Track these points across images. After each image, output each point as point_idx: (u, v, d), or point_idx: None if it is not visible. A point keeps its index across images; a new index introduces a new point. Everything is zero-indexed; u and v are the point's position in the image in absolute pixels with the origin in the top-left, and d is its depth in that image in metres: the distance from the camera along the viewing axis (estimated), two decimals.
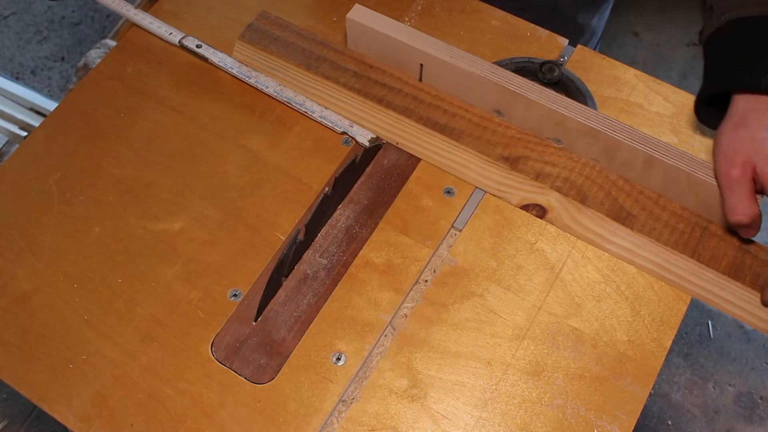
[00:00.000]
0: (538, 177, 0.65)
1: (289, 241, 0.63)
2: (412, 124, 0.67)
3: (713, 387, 1.16)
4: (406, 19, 0.75)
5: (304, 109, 0.69)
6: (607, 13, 0.98)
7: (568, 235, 0.63)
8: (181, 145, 0.69)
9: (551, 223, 0.63)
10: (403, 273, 0.61)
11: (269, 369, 0.58)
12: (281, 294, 0.61)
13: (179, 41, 0.72)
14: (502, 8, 0.76)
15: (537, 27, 0.74)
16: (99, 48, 0.85)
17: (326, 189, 0.65)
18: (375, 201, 0.65)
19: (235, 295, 0.61)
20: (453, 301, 0.60)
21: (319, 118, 0.68)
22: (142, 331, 0.59)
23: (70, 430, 0.56)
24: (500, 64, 0.70)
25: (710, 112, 0.62)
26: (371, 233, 0.63)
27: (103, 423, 0.56)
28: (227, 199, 0.65)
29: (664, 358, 0.58)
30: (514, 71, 0.66)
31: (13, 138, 1.05)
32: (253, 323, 0.60)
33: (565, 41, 0.74)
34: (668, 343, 0.58)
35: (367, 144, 0.67)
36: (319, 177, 0.66)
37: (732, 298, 0.59)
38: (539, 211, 0.64)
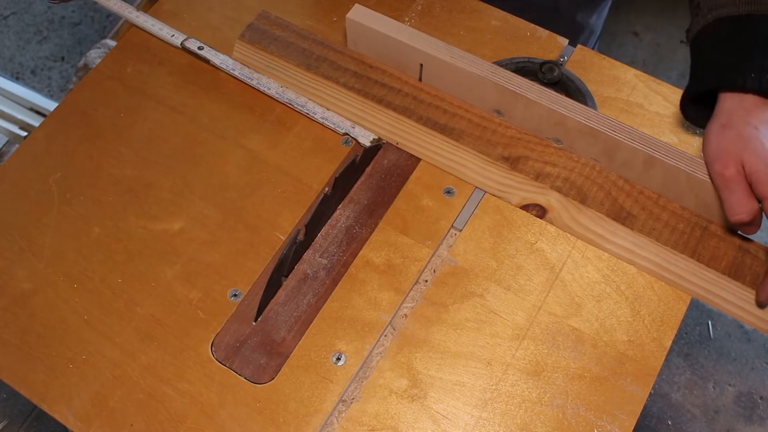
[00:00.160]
0: (538, 177, 0.65)
1: (289, 241, 0.62)
2: (412, 124, 0.67)
3: (713, 387, 1.16)
4: (406, 19, 0.75)
5: (306, 111, 0.69)
6: (605, 12, 0.98)
7: (568, 235, 0.63)
8: (181, 145, 0.69)
9: (551, 223, 0.63)
10: (403, 273, 0.61)
11: (269, 369, 0.58)
12: (281, 294, 0.61)
13: (181, 43, 0.72)
14: (502, 8, 0.76)
15: (537, 27, 0.74)
16: (99, 48, 0.85)
17: (326, 189, 0.65)
18: (375, 201, 0.65)
19: (235, 295, 0.61)
20: (453, 301, 0.60)
21: (321, 120, 0.68)
22: (142, 331, 0.59)
23: (70, 430, 0.56)
24: (500, 64, 0.70)
25: (697, 110, 0.62)
26: (371, 233, 0.63)
27: (103, 423, 0.56)
28: (227, 199, 0.65)
29: (664, 358, 0.58)
30: (514, 71, 0.66)
31: (13, 138, 1.05)
32: (253, 323, 0.60)
33: (565, 41, 0.74)
34: (668, 343, 0.58)
35: (369, 145, 0.67)
36: (319, 177, 0.66)
37: (732, 298, 0.59)
38: (539, 211, 0.64)
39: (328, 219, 0.64)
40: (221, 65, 0.71)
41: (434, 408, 0.56)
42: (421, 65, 0.67)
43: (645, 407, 0.56)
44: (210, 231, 0.64)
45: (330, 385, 0.57)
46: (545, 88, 0.64)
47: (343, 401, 0.57)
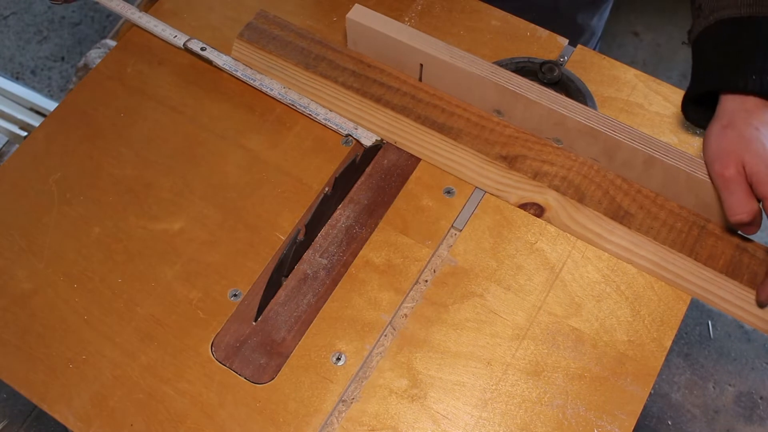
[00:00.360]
0: (536, 176, 0.65)
1: (289, 241, 0.63)
2: (410, 123, 0.67)
3: (713, 387, 1.16)
4: (406, 19, 0.75)
5: (308, 112, 0.69)
6: (606, 13, 0.98)
7: (568, 235, 0.63)
8: (181, 145, 0.69)
9: (549, 222, 0.63)
10: (403, 273, 0.61)
11: (269, 369, 0.58)
12: (281, 294, 0.61)
13: (184, 44, 0.72)
14: (502, 8, 0.76)
15: (537, 27, 0.74)
16: (99, 48, 0.85)
17: (326, 189, 0.65)
18: (375, 201, 0.65)
19: (235, 295, 0.61)
20: (453, 301, 0.60)
21: (323, 121, 0.68)
22: (142, 331, 0.59)
23: (70, 430, 0.56)
24: (500, 64, 0.70)
25: (698, 111, 0.62)
26: (371, 233, 0.63)
27: (103, 423, 0.56)
28: (227, 199, 0.65)
29: (664, 358, 0.58)
30: (514, 71, 0.66)
31: (13, 138, 1.05)
32: (253, 323, 0.60)
33: (565, 41, 0.74)
34: (668, 343, 0.58)
35: (370, 145, 0.67)
36: (319, 177, 0.66)
37: (729, 297, 0.59)
38: (537, 210, 0.64)
39: (328, 219, 0.64)
40: (224, 66, 0.71)
41: (434, 408, 0.56)
42: (421, 65, 0.67)
43: (645, 407, 0.56)
44: (210, 231, 0.64)
45: (330, 385, 0.57)
46: (545, 88, 0.64)
47: (343, 401, 0.57)
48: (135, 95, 0.72)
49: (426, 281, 0.61)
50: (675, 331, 0.59)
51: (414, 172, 0.66)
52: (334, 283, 0.61)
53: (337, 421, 0.56)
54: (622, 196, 0.64)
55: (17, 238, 0.64)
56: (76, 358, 0.59)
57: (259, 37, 0.72)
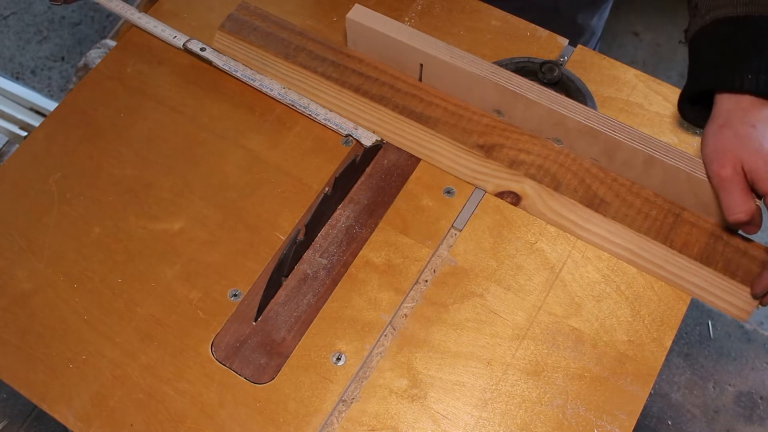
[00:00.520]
0: (513, 164, 0.65)
1: (289, 241, 0.63)
2: (388, 112, 0.67)
3: (713, 387, 1.16)
4: (406, 19, 0.75)
5: (308, 112, 0.69)
6: (606, 13, 0.98)
7: (568, 235, 0.63)
8: (181, 145, 0.69)
9: (525, 210, 0.64)
10: (403, 273, 0.61)
11: (269, 369, 0.58)
12: (281, 294, 0.61)
13: (184, 45, 0.72)
14: (502, 8, 0.76)
15: (537, 27, 0.74)
16: (99, 48, 0.85)
17: (326, 189, 0.65)
18: (375, 201, 0.65)
19: (235, 295, 0.61)
20: (453, 301, 0.60)
21: (323, 121, 0.68)
22: (142, 331, 0.59)
23: (70, 430, 0.56)
24: (500, 64, 0.71)
25: (694, 110, 0.63)
26: (371, 233, 0.63)
27: (103, 423, 0.56)
28: (227, 199, 0.65)
29: (664, 358, 0.58)
30: (514, 71, 0.66)
31: (13, 138, 1.05)
32: (253, 323, 0.60)
33: (565, 41, 0.74)
34: (668, 343, 0.58)
35: (370, 145, 0.67)
36: (319, 177, 0.66)
37: (704, 284, 0.60)
38: (514, 199, 0.64)
39: (328, 219, 0.64)
40: (223, 67, 0.71)
41: (434, 408, 0.56)
42: (421, 65, 0.67)
43: (645, 407, 0.56)
44: (210, 231, 0.64)
45: (330, 385, 0.57)
46: (545, 88, 0.64)
47: (343, 401, 0.57)
48: (135, 95, 0.72)
49: (426, 281, 0.61)
50: (675, 331, 0.59)
51: (414, 172, 0.66)
52: (334, 283, 0.61)
53: (337, 421, 0.56)
54: (598, 184, 0.64)
55: (17, 238, 0.64)
56: (76, 358, 0.59)
57: (240, 28, 0.72)
